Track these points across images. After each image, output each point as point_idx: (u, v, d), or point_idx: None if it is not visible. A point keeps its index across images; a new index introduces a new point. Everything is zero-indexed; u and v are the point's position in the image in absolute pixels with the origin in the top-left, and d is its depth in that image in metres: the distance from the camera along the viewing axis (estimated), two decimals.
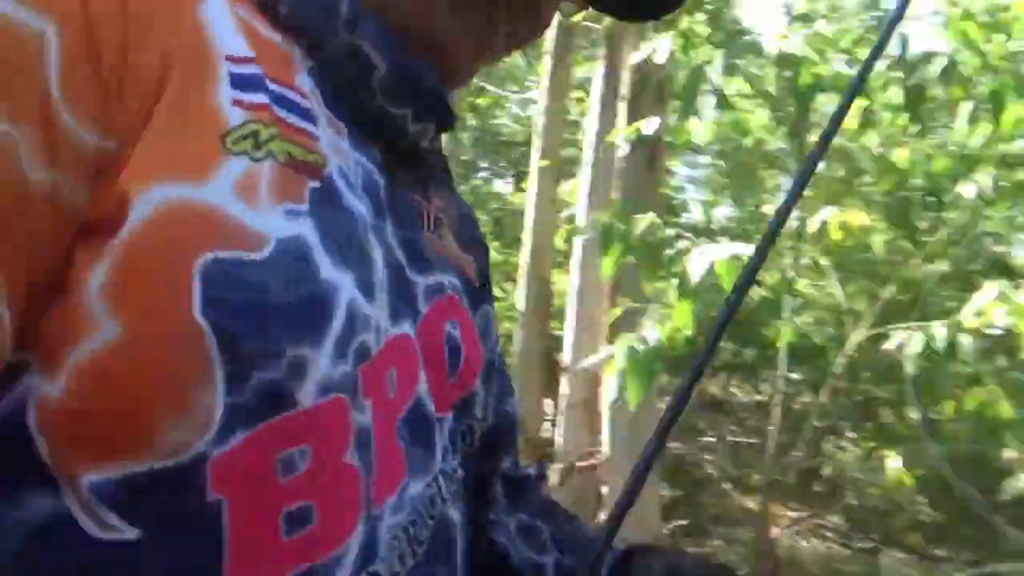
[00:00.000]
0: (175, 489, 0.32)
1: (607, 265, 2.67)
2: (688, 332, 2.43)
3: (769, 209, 4.74)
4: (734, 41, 3.17)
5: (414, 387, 0.43)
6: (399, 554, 0.40)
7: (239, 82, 0.36)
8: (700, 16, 3.22)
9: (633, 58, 3.32)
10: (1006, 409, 2.95)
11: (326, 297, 0.36)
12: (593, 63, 4.53)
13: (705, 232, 5.35)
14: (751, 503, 4.92)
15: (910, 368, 2.96)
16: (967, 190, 3.02)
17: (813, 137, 2.98)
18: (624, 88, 3.59)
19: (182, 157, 0.33)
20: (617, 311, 3.11)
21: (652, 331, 2.43)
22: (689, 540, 4.38)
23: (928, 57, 2.64)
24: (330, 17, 0.41)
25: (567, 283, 4.45)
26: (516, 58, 6.49)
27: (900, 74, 2.72)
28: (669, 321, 2.44)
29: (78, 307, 0.31)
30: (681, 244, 2.71)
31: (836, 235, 2.72)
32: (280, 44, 0.41)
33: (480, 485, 0.56)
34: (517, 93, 8.04)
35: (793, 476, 4.33)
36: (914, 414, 3.86)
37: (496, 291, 0.81)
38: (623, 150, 3.43)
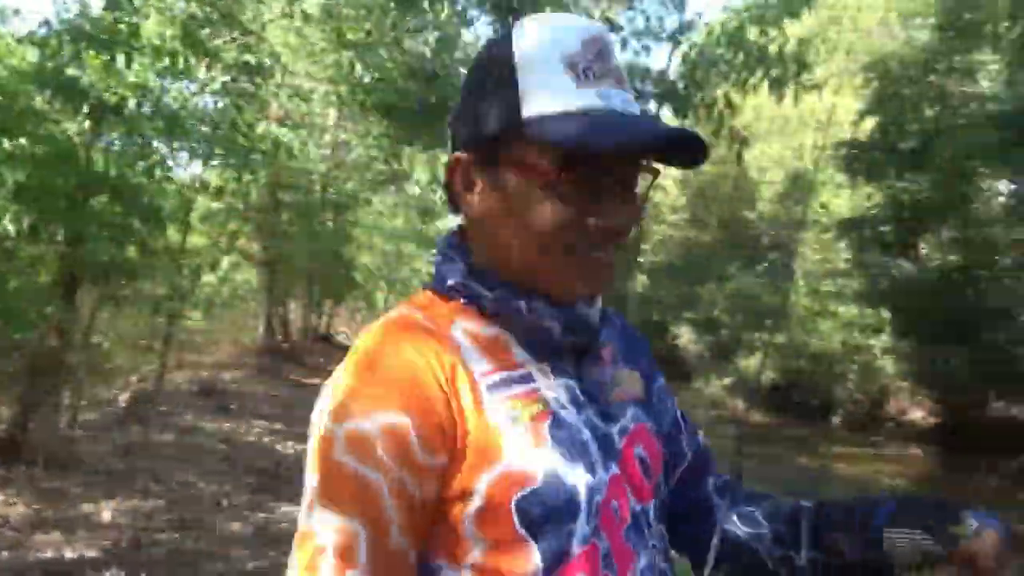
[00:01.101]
0: None
1: None
2: None
3: None
4: None
5: (628, 504, 0.74)
6: None
7: (492, 388, 0.70)
8: None
9: None
10: None
11: (573, 493, 0.69)
12: None
13: None
14: None
15: None
16: None
17: None
18: None
19: (489, 451, 0.67)
20: None
21: None
22: None
23: None
24: (520, 313, 0.74)
25: None
26: None
27: None
28: None
29: (460, 532, 0.67)
30: None
31: None
32: (493, 332, 0.74)
33: (689, 506, 0.88)
34: None
35: None
36: None
37: None
38: None
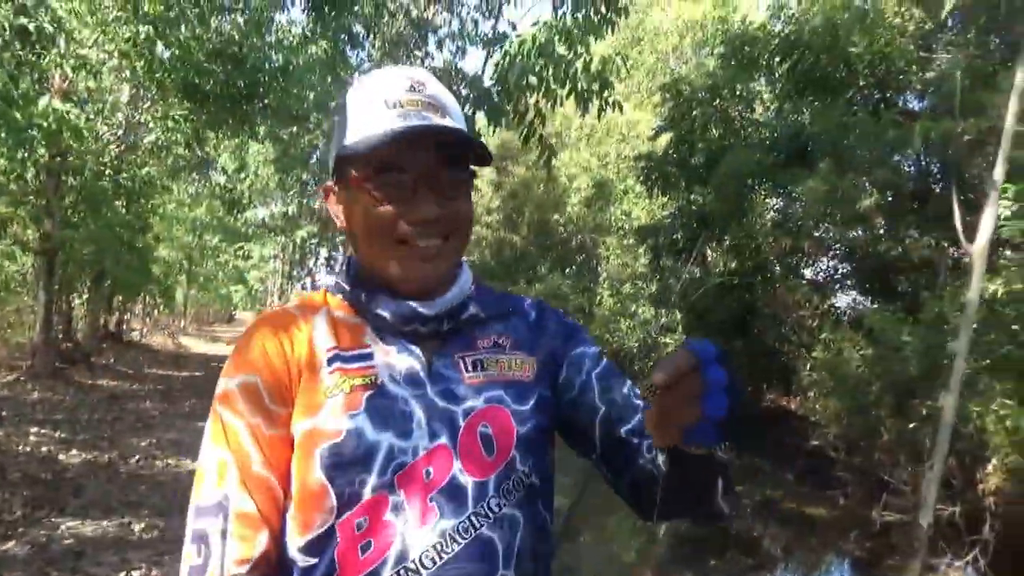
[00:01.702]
0: (327, 538, 0.84)
1: None
2: None
3: None
4: None
5: (447, 472, 0.87)
6: (429, 559, 0.83)
7: (331, 362, 0.90)
8: None
9: None
10: None
11: (371, 448, 0.85)
12: None
13: None
14: None
15: None
16: None
17: None
18: None
19: (313, 407, 0.87)
20: None
21: None
22: None
23: None
24: (364, 303, 0.93)
25: None
26: None
27: None
28: None
29: (290, 471, 0.87)
30: None
31: None
32: (354, 321, 0.94)
33: (613, 448, 0.97)
34: None
35: None
36: None
37: None
38: None
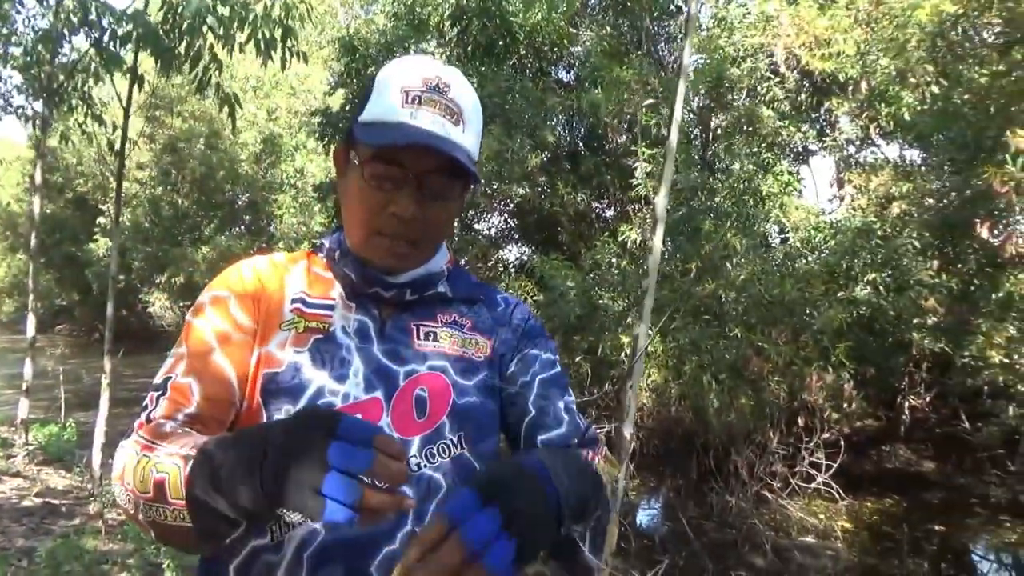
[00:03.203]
0: None
1: None
2: None
3: None
4: None
5: (375, 423, 0.91)
6: None
7: (292, 302, 1.00)
8: None
9: None
10: None
11: (303, 384, 0.93)
12: None
13: None
14: None
15: None
16: None
17: None
18: None
19: (268, 335, 0.97)
20: None
21: None
22: None
23: None
24: (337, 263, 1.02)
25: None
26: None
27: None
28: None
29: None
30: None
31: None
32: (326, 276, 1.04)
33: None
34: None
35: None
36: None
37: None
38: None
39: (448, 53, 10.78)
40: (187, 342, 0.96)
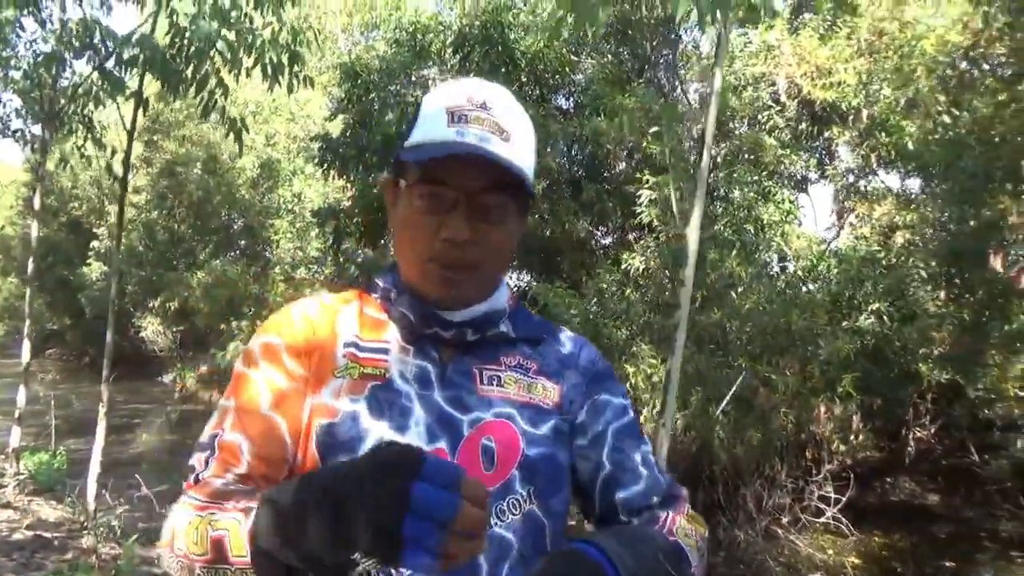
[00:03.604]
0: None
1: None
2: None
3: None
4: None
5: None
6: None
7: (345, 346, 0.94)
8: None
9: None
10: None
11: (362, 435, 0.87)
12: None
13: None
14: None
15: None
16: None
17: None
18: None
19: (321, 382, 0.91)
20: None
21: None
22: None
23: None
24: (393, 303, 0.96)
25: None
26: None
27: None
28: None
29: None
30: None
31: None
32: (380, 318, 0.97)
33: (607, 514, 0.96)
34: None
35: None
36: None
37: None
38: None
39: (450, 80, 10.82)
40: (236, 395, 0.91)
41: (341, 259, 13.97)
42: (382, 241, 11.75)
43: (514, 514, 0.88)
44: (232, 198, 17.74)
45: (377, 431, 0.87)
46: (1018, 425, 6.82)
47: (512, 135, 0.91)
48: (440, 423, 0.89)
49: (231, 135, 5.76)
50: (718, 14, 2.01)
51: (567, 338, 1.05)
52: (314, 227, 15.86)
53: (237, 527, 0.73)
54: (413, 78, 10.94)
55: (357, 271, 13.39)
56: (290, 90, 5.84)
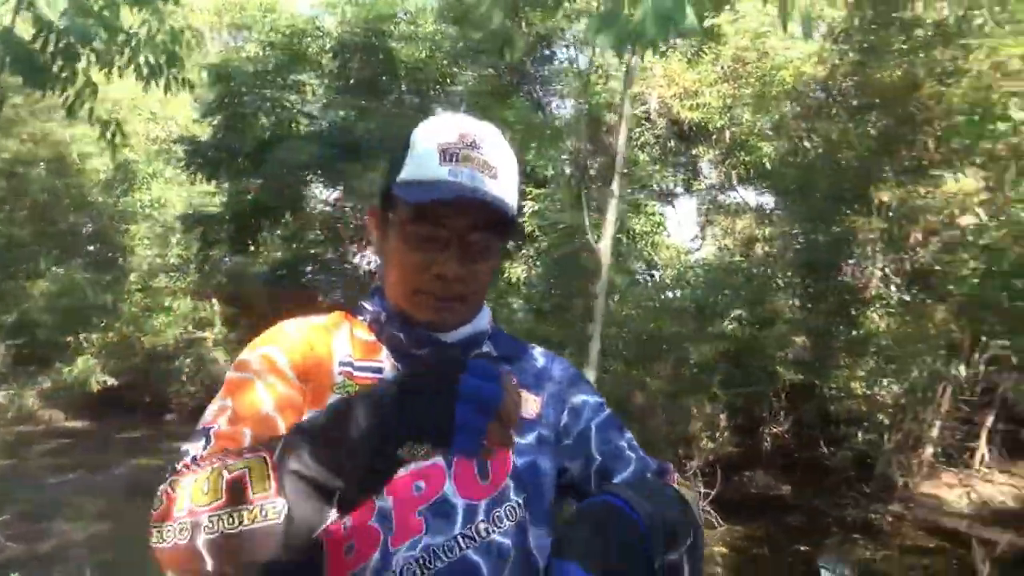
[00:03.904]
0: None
1: None
2: None
3: None
4: None
5: (439, 489, 0.90)
6: (411, 571, 0.85)
7: (341, 365, 0.95)
8: None
9: None
10: None
11: None
12: None
13: None
14: None
15: None
16: None
17: None
18: None
19: (320, 398, 0.90)
20: None
21: None
22: None
23: None
24: (383, 326, 0.99)
25: None
26: None
27: None
28: None
29: None
30: None
31: None
32: (371, 340, 1.00)
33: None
34: None
35: None
36: None
37: None
38: None
39: (328, 85, 10.63)
40: (233, 396, 0.90)
41: (207, 267, 13.33)
42: (252, 248, 11.35)
43: (510, 520, 0.93)
44: (82, 201, 16.47)
45: None
46: (860, 420, 7.55)
47: (499, 171, 0.95)
48: None
49: (100, 136, 5.42)
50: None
51: (539, 353, 1.11)
52: (175, 233, 15.03)
53: (260, 463, 0.72)
54: (289, 82, 10.67)
55: (225, 279, 12.82)
56: (166, 91, 5.56)
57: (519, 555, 0.92)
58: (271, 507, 0.70)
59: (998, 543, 7.52)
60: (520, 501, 0.94)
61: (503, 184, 0.95)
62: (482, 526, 0.90)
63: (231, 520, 0.71)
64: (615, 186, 2.83)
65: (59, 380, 15.46)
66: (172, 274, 15.97)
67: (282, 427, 0.87)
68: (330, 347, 0.97)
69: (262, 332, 0.98)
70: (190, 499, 0.73)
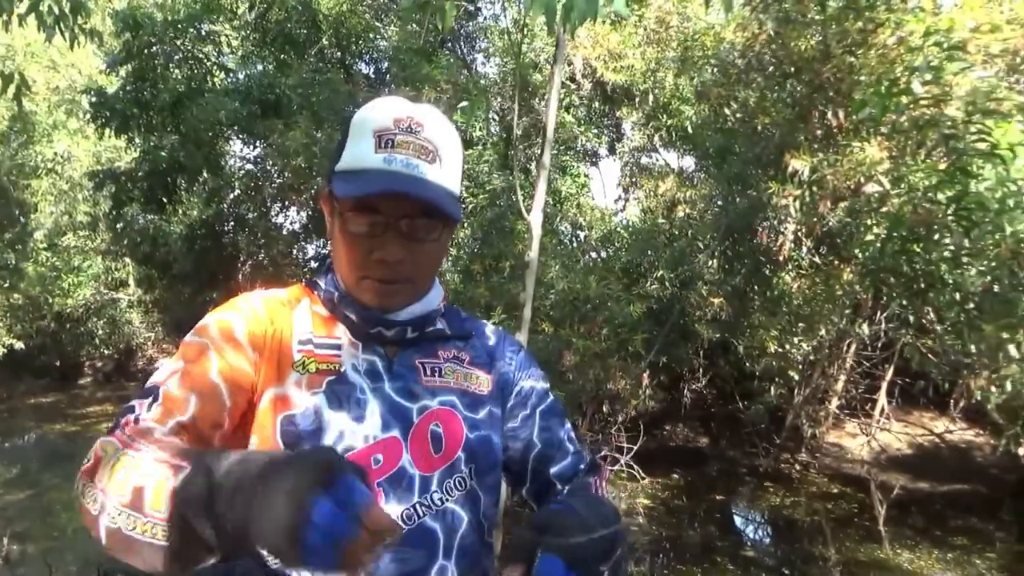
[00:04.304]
0: None
1: None
2: None
3: None
4: None
5: (396, 462, 0.95)
6: None
7: (300, 343, 0.99)
8: None
9: None
10: None
11: (323, 426, 0.93)
12: None
13: None
14: None
15: None
16: None
17: None
18: None
19: (282, 376, 0.96)
20: None
21: None
22: None
23: None
24: (336, 305, 1.02)
25: None
26: None
27: None
28: None
29: (252, 423, 0.95)
30: None
31: None
32: (328, 315, 1.03)
33: (542, 487, 1.11)
34: None
35: None
36: None
37: None
38: None
39: (245, 37, 10.20)
40: (185, 359, 0.93)
41: (119, 226, 12.74)
42: (168, 206, 10.92)
43: (460, 490, 0.98)
44: None
45: (337, 422, 0.93)
46: (772, 376, 7.94)
47: (439, 154, 0.96)
48: (392, 412, 0.97)
49: (2, 92, 5.11)
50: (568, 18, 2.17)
51: (491, 331, 1.16)
52: (82, 189, 14.30)
53: (162, 483, 0.71)
54: (203, 33, 10.18)
55: (140, 239, 12.29)
56: (72, 44, 5.27)
57: (470, 522, 0.98)
58: (161, 529, 0.70)
59: (894, 487, 8.11)
60: (468, 471, 0.99)
61: (444, 166, 0.96)
62: (436, 496, 0.95)
63: (128, 520, 0.72)
64: (546, 157, 2.88)
65: None
66: (81, 233, 15.25)
67: (227, 397, 0.92)
68: (291, 323, 1.00)
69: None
70: (105, 479, 0.75)
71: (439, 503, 0.96)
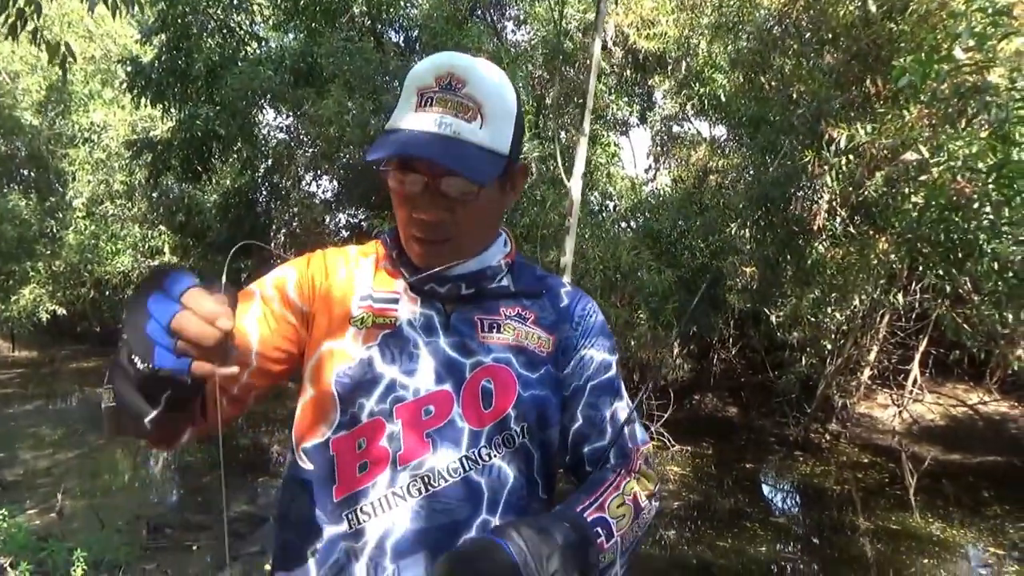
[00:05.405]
0: (324, 449, 0.98)
1: None
2: None
3: None
4: None
5: (447, 415, 0.97)
6: (416, 488, 0.93)
7: (361, 298, 1.04)
8: None
9: None
10: None
11: (376, 378, 0.97)
12: None
13: None
14: None
15: None
16: None
17: None
18: None
19: (338, 330, 1.01)
20: None
21: None
22: None
23: None
24: (395, 261, 1.06)
25: None
26: None
27: None
28: None
29: (307, 373, 1.02)
30: None
31: None
32: (393, 270, 1.06)
33: (576, 462, 1.07)
34: None
35: None
36: None
37: None
38: None
39: (276, 5, 10.23)
40: (239, 294, 0.96)
41: (155, 195, 12.96)
42: (203, 175, 11.08)
43: (508, 448, 0.97)
44: (16, 123, 15.72)
45: (389, 375, 0.97)
46: (804, 346, 7.93)
47: (483, 110, 0.94)
48: (445, 367, 0.98)
49: (51, 61, 5.22)
50: None
51: (566, 292, 1.12)
52: (119, 159, 14.52)
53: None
54: (236, 1, 10.23)
55: (175, 208, 12.50)
56: (115, 13, 5.36)
57: (519, 481, 0.98)
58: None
59: (926, 458, 8.10)
60: (519, 429, 0.98)
61: (488, 123, 0.94)
62: (484, 451, 0.95)
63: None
64: (585, 124, 2.90)
65: (3, 311, 15.07)
66: (118, 202, 15.52)
67: (254, 339, 0.98)
68: (352, 278, 1.05)
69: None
70: None
71: (486, 458, 0.95)
